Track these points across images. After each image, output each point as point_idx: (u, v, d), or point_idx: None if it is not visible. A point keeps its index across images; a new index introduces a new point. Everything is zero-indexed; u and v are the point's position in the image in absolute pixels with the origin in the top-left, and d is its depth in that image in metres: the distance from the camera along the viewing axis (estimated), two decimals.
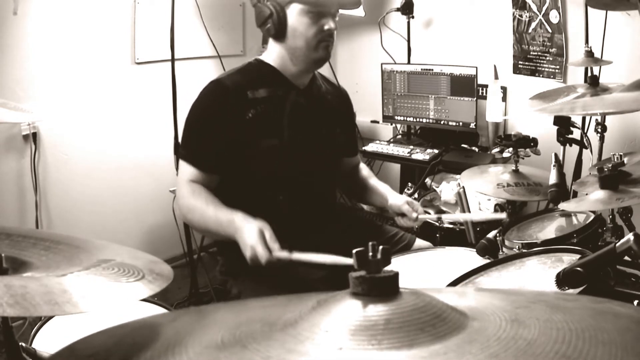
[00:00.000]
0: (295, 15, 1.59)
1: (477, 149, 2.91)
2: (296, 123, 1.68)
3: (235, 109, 1.60)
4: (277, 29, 1.61)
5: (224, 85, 1.63)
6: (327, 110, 1.80)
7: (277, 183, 1.67)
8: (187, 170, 1.63)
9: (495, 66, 2.95)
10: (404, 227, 1.84)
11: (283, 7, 1.59)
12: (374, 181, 1.94)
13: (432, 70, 2.98)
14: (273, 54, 1.69)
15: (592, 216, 1.65)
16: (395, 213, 1.81)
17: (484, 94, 2.90)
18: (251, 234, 1.42)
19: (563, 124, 2.14)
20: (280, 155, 1.64)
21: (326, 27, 1.59)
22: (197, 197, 1.58)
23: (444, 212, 2.51)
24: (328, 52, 1.66)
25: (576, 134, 2.19)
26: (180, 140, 1.69)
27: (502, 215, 1.77)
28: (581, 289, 1.04)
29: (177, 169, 2.53)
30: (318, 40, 1.61)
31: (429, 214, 1.76)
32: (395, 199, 1.81)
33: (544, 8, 2.67)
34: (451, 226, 2.36)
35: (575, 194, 2.02)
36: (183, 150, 1.67)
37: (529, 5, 2.73)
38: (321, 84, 1.81)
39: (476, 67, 2.82)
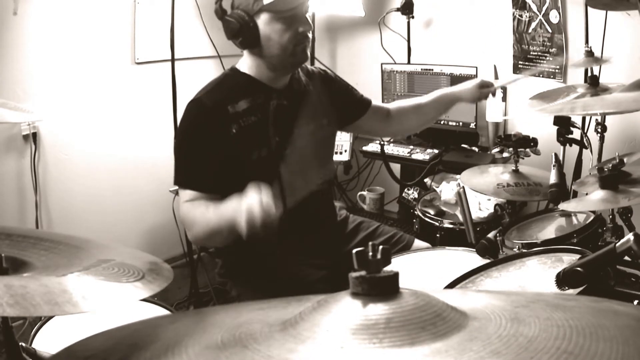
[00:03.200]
0: (266, 24, 1.55)
1: (477, 149, 2.91)
2: (283, 127, 1.65)
3: (218, 127, 1.56)
4: (250, 40, 1.57)
5: (203, 105, 1.57)
6: (312, 101, 1.74)
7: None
8: (187, 194, 1.57)
9: (495, 66, 2.95)
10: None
11: (252, 16, 1.54)
12: (418, 100, 2.00)
13: (432, 70, 2.98)
14: (248, 62, 1.65)
15: (592, 216, 1.65)
16: (474, 99, 2.01)
17: None
18: (248, 200, 1.30)
19: (563, 124, 2.14)
20: (272, 163, 1.61)
21: (300, 29, 1.56)
22: (196, 208, 1.52)
23: (444, 212, 2.51)
24: (306, 54, 1.62)
25: (576, 134, 2.19)
26: (174, 167, 1.61)
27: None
28: (581, 289, 1.04)
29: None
30: (294, 45, 1.57)
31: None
32: (465, 90, 1.99)
33: (544, 8, 2.67)
34: (451, 226, 2.36)
35: (575, 194, 2.03)
36: (178, 177, 1.60)
37: (529, 5, 2.73)
38: (301, 77, 1.76)
39: (476, 67, 2.82)
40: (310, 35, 1.62)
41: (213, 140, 1.56)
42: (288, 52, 1.57)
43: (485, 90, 1.99)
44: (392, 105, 2.01)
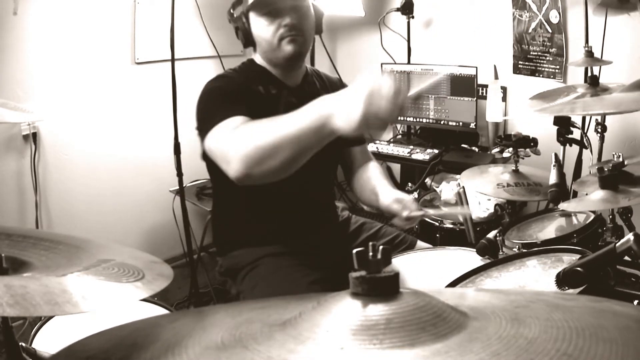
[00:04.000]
0: (254, 22, 1.61)
1: (477, 149, 2.91)
2: None
3: (244, 91, 1.59)
4: (247, 40, 1.64)
5: (229, 77, 1.66)
6: None
7: (272, 188, 1.65)
8: (225, 123, 1.35)
9: (495, 66, 2.95)
10: (402, 228, 1.71)
11: (247, 17, 1.61)
12: (373, 178, 1.79)
13: (432, 70, 2.98)
14: (259, 57, 1.71)
15: (592, 216, 1.65)
16: (388, 214, 1.64)
17: (484, 94, 2.90)
18: (364, 79, 1.05)
19: (563, 124, 2.14)
20: None
21: (284, 22, 1.56)
22: (246, 123, 1.30)
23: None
24: (295, 47, 1.58)
25: (576, 134, 2.19)
26: (199, 121, 1.47)
27: (468, 211, 1.76)
28: (581, 289, 1.04)
29: (177, 169, 2.56)
30: (279, 38, 1.58)
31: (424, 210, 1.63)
32: (385, 198, 1.64)
33: (544, 8, 2.67)
34: (451, 226, 2.36)
35: (575, 194, 2.03)
36: (212, 120, 1.39)
37: (529, 5, 2.73)
38: (315, 80, 1.78)
39: (476, 67, 2.82)
40: (301, 27, 1.58)
41: (243, 95, 1.54)
42: (275, 46, 1.60)
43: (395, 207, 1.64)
44: (366, 166, 1.88)
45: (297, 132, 1.13)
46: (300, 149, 1.15)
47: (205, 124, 1.41)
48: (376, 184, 1.75)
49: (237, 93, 1.56)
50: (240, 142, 1.23)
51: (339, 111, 1.05)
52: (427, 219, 2.46)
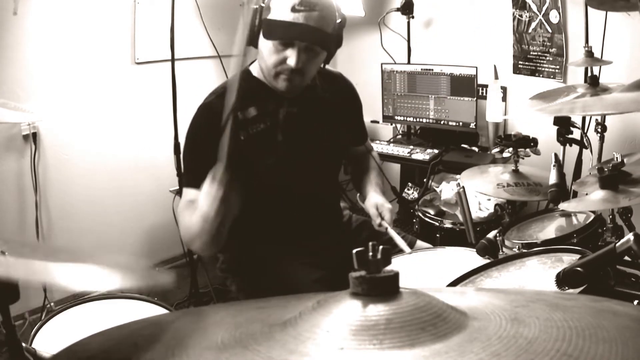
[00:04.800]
0: (262, 38, 1.49)
1: (477, 149, 2.92)
2: (291, 135, 1.63)
3: (214, 144, 1.47)
4: (251, 40, 1.50)
5: (213, 110, 1.52)
6: (325, 110, 1.72)
7: (278, 194, 1.65)
8: (189, 193, 1.51)
9: (495, 66, 2.95)
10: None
11: (260, 21, 1.48)
12: (369, 176, 1.88)
13: (432, 70, 2.98)
14: (258, 65, 1.60)
15: (592, 216, 1.65)
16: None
17: (484, 94, 2.90)
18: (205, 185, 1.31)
19: (563, 124, 2.14)
20: (279, 171, 1.61)
21: (288, 61, 1.47)
22: (190, 209, 1.45)
23: (444, 212, 2.51)
24: (290, 86, 1.53)
25: (576, 134, 2.19)
26: (183, 170, 1.63)
27: (407, 250, 1.71)
28: (581, 289, 1.04)
29: (177, 169, 2.56)
30: (276, 72, 1.51)
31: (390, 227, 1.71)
32: (368, 201, 1.76)
33: (544, 8, 2.67)
34: (451, 226, 2.36)
35: (575, 194, 2.03)
36: (186, 178, 1.59)
37: (529, 5, 2.73)
38: (317, 82, 1.70)
39: (476, 67, 2.82)
40: (303, 69, 1.50)
41: (215, 143, 1.51)
42: (271, 75, 1.54)
43: (372, 212, 1.76)
44: (366, 162, 1.96)
45: (203, 227, 1.32)
46: (215, 235, 1.35)
47: (184, 173, 1.66)
48: (368, 181, 1.86)
49: (207, 145, 1.44)
50: (184, 235, 1.49)
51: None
52: (427, 219, 2.46)
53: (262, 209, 1.60)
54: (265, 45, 1.50)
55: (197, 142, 1.59)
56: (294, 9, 1.43)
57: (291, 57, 1.47)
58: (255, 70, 1.63)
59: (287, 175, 1.63)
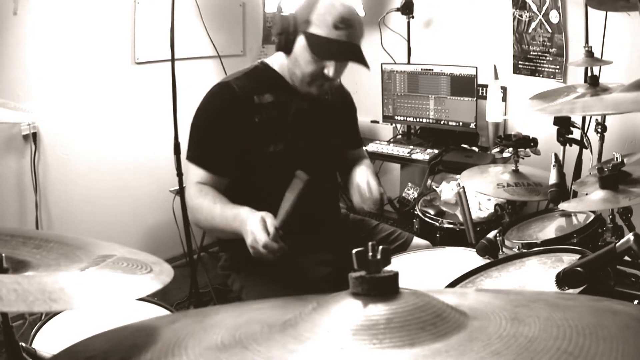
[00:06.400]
0: (301, 46, 1.58)
1: (477, 149, 2.92)
2: (300, 129, 1.69)
3: (243, 113, 1.60)
4: (284, 47, 1.61)
5: (232, 89, 1.62)
6: (329, 111, 1.80)
7: (283, 181, 1.67)
8: (196, 172, 1.61)
9: (495, 66, 2.95)
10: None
11: (297, 29, 1.57)
12: (358, 167, 1.87)
13: (432, 70, 2.98)
14: (280, 60, 1.69)
15: (592, 216, 1.65)
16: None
17: (484, 94, 2.90)
18: (254, 221, 1.42)
19: (563, 124, 2.14)
20: (286, 159, 1.64)
21: (326, 71, 1.58)
22: (204, 196, 1.57)
23: (444, 212, 2.50)
24: (321, 92, 1.67)
25: (576, 134, 2.19)
26: (188, 142, 1.66)
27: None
28: (581, 289, 1.04)
29: (177, 169, 2.56)
30: (312, 79, 1.61)
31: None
32: (354, 179, 1.76)
33: (544, 8, 2.67)
34: (451, 226, 2.36)
35: (575, 194, 2.03)
36: (192, 153, 1.64)
37: (529, 5, 2.73)
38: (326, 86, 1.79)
39: (476, 67, 2.82)
40: (336, 81, 1.66)
41: (236, 124, 1.60)
42: (305, 82, 1.62)
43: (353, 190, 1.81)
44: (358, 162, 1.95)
45: (225, 229, 1.54)
46: (222, 235, 1.64)
47: (190, 147, 1.66)
48: (358, 170, 1.84)
49: (223, 125, 1.60)
50: (191, 212, 1.64)
51: (243, 233, 1.45)
52: (427, 219, 2.46)
53: (266, 196, 1.61)
54: (304, 56, 1.58)
55: (211, 118, 1.64)
56: (336, 27, 1.55)
57: (330, 69, 1.58)
58: (276, 64, 1.70)
59: (293, 164, 1.64)
